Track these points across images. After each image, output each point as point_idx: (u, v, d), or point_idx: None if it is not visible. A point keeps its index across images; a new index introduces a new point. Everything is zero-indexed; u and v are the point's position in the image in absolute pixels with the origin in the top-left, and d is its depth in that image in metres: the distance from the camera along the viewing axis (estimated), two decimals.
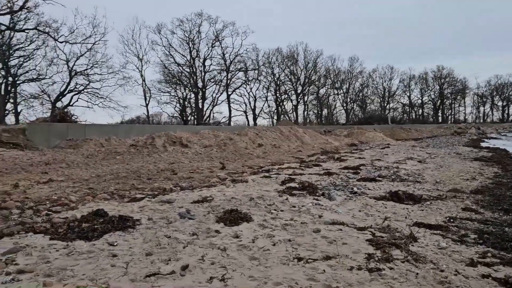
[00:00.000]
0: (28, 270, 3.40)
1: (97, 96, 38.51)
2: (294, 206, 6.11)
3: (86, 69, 38.11)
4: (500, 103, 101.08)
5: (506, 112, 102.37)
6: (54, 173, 9.33)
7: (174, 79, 51.41)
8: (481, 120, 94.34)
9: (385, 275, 3.53)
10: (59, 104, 36.00)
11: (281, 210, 5.83)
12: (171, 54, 50.04)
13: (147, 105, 48.66)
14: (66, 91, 37.14)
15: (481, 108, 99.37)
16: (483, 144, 29.00)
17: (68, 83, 37.13)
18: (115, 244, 4.05)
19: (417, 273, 3.60)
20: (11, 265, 3.50)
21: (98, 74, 38.71)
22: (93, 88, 38.67)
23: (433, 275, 3.59)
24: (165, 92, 51.18)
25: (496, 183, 9.50)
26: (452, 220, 5.83)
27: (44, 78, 36.13)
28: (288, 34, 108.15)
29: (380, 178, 9.48)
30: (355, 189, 7.89)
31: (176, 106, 53.44)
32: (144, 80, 47.67)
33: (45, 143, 16.49)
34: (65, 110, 32.91)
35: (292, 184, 7.99)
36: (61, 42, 34.51)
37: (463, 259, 4.03)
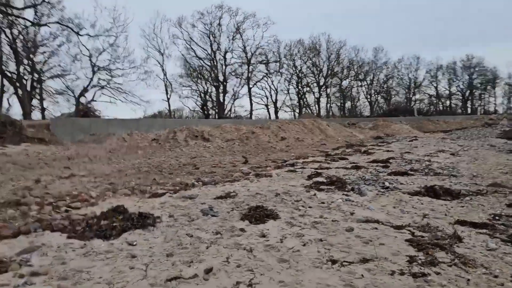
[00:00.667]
0: (42, 272, 3.18)
1: (120, 91, 38.98)
2: (323, 202, 5.73)
3: (109, 64, 38.57)
4: None
5: None
6: (76, 168, 9.26)
7: (195, 73, 51.62)
8: None
9: (432, 281, 3.14)
10: (82, 100, 36.60)
11: (309, 207, 5.47)
12: (192, 48, 50.21)
13: (168, 100, 49.06)
14: (90, 87, 37.70)
15: None
16: None
17: (91, 79, 37.68)
18: (134, 243, 3.80)
19: (468, 279, 3.19)
20: (25, 266, 3.29)
21: (120, 69, 39.17)
22: (115, 83, 39.14)
23: (487, 281, 3.17)
24: (186, 86, 51.50)
25: None
26: (497, 217, 5.32)
27: (68, 74, 36.75)
28: (310, 25, 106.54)
29: (412, 172, 8.97)
30: (386, 183, 7.44)
31: (197, 100, 53.70)
32: (165, 75, 48.10)
33: (69, 138, 16.65)
34: (89, 105, 33.47)
35: (319, 179, 7.61)
36: (82, 35, 34.92)
37: None
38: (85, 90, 37.81)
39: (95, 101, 38.35)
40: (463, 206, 5.95)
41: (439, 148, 15.70)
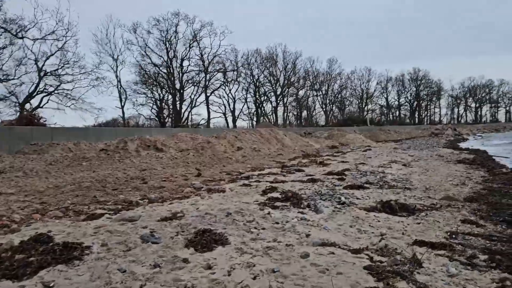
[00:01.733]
0: None
1: (69, 98, 36.88)
2: (277, 223, 5.33)
3: (57, 69, 36.43)
4: (473, 105, 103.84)
5: (479, 113, 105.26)
6: (5, 184, 8.27)
7: (150, 80, 50.13)
8: (455, 121, 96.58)
9: None
10: (27, 106, 34.25)
11: (263, 228, 5.05)
12: (147, 55, 48.81)
13: (122, 107, 47.19)
14: (35, 92, 35.36)
15: (455, 110, 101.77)
16: (461, 145, 29.12)
17: (37, 84, 35.37)
18: (51, 285, 3.17)
19: None
20: None
21: (69, 74, 37.08)
22: (64, 89, 36.99)
23: None
24: (141, 94, 49.82)
25: (487, 189, 9.01)
26: (454, 236, 5.18)
27: (11, 79, 34.24)
28: (267, 35, 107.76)
29: (367, 185, 8.84)
30: (342, 198, 7.20)
31: (152, 108, 52.08)
32: (119, 81, 46.21)
33: (6, 148, 15.23)
34: (33, 112, 31.33)
35: (274, 194, 7.23)
36: (20, 38, 32.73)
37: None
38: (30, 96, 35.42)
39: (41, 107, 36.06)
40: (419, 223, 5.78)
41: (392, 159, 15.95)
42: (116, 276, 3.36)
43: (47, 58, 35.70)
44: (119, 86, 46.46)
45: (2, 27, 31.46)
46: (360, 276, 3.56)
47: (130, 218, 5.31)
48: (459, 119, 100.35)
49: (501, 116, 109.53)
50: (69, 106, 36.88)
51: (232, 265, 3.73)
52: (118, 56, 46.23)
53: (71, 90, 37.17)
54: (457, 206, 7.08)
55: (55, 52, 35.72)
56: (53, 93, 36.40)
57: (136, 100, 49.94)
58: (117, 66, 45.69)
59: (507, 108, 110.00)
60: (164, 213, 5.70)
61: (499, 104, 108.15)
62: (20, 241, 4.18)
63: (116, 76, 45.90)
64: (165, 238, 4.52)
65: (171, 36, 49.19)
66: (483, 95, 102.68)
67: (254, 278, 3.44)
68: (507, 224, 5.91)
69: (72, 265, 3.56)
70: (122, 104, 47.02)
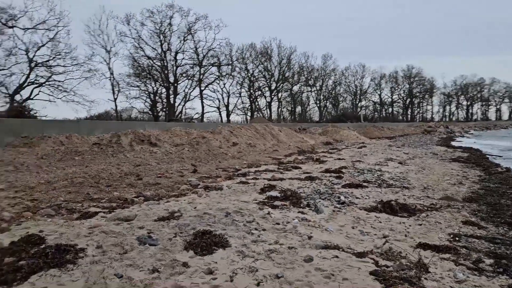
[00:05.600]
0: None
1: (60, 89, 36.23)
2: (278, 223, 5.19)
3: (48, 60, 35.72)
4: (464, 103, 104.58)
5: (470, 111, 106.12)
6: None
7: (144, 73, 49.45)
8: (447, 119, 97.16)
9: None
10: (17, 98, 33.63)
11: (263, 229, 4.90)
12: (141, 47, 48.07)
13: (115, 100, 46.48)
14: (26, 84, 34.68)
15: (447, 107, 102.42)
16: (454, 143, 29.24)
17: (28, 75, 34.67)
18: None
19: None
20: None
21: (61, 65, 36.38)
22: (55, 80, 36.34)
23: None
24: (134, 87, 49.11)
25: (485, 189, 8.97)
26: (457, 238, 5.09)
27: (1, 69, 33.54)
28: (262, 29, 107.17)
29: (365, 184, 8.73)
30: (342, 197, 7.08)
31: (146, 101, 51.50)
32: (112, 74, 45.47)
33: None
34: (23, 104, 30.78)
35: (273, 193, 7.08)
36: (10, 27, 32.04)
37: None
38: (20, 87, 34.72)
39: (32, 99, 35.42)
40: (420, 224, 5.68)
41: (388, 156, 15.89)
42: (113, 282, 3.19)
43: (38, 49, 34.97)
44: (112, 79, 45.75)
45: None
46: (367, 283, 3.44)
47: (126, 218, 5.13)
48: (451, 116, 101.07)
49: (492, 114, 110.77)
50: (60, 98, 36.24)
51: (234, 269, 3.58)
52: (111, 48, 45.53)
53: (63, 81, 36.46)
54: (457, 206, 7.01)
55: (46, 43, 34.99)
56: (44, 84, 35.69)
57: (130, 93, 49.32)
58: (110, 58, 44.92)
59: (498, 107, 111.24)
60: (161, 212, 5.52)
61: (489, 103, 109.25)
62: (10, 241, 3.99)
63: (109, 68, 45.16)
64: (163, 239, 4.35)
65: (165, 29, 48.50)
66: (474, 93, 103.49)
67: (258, 285, 3.30)
68: (508, 226, 5.85)
69: (66, 269, 3.38)
70: (115, 96, 46.38)
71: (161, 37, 48.60)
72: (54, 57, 35.74)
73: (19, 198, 6.35)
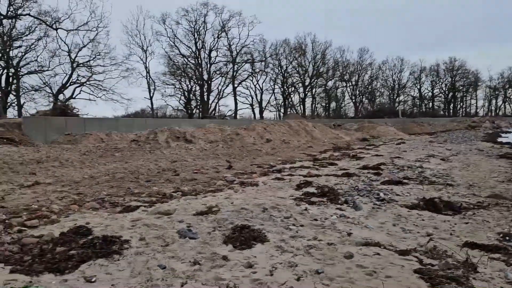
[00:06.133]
0: None
1: (100, 89, 37.68)
2: (316, 219, 5.13)
3: (89, 61, 37.24)
4: None
5: None
6: (43, 174, 8.44)
7: (179, 71, 50.47)
8: (493, 114, 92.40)
9: None
10: (61, 97, 35.26)
11: (301, 225, 4.86)
12: (176, 45, 49.09)
13: (151, 98, 47.82)
14: (68, 83, 36.36)
15: (493, 101, 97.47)
16: (501, 139, 27.80)
17: (70, 75, 36.33)
18: (93, 280, 3.11)
19: None
20: None
21: (100, 65, 37.86)
22: (95, 80, 37.82)
23: None
24: (169, 85, 50.30)
25: None
26: (507, 237, 4.82)
27: (46, 70, 35.28)
28: (296, 25, 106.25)
29: (406, 181, 8.47)
30: (381, 194, 6.90)
31: (180, 98, 52.55)
32: (148, 72, 46.82)
33: (42, 138, 15.66)
34: (66, 103, 32.21)
35: (309, 189, 7.02)
36: (55, 29, 33.54)
37: None
38: (63, 87, 36.44)
39: (74, 98, 37.06)
40: (467, 223, 5.44)
41: (429, 153, 15.35)
42: (157, 273, 3.27)
43: (80, 50, 36.57)
44: (148, 77, 47.09)
45: (38, 18, 32.38)
46: (411, 281, 3.33)
47: (166, 212, 5.24)
48: (497, 111, 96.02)
49: None
50: (100, 97, 37.72)
51: (273, 264, 3.58)
52: (147, 47, 46.83)
53: (102, 81, 37.98)
54: (507, 205, 6.65)
55: (87, 44, 36.51)
56: (85, 84, 37.29)
57: (165, 91, 50.62)
58: (146, 57, 46.27)
59: None
60: (199, 207, 5.61)
61: None
62: (60, 232, 4.18)
63: (146, 67, 46.53)
64: (202, 233, 4.42)
65: (200, 27, 49.27)
66: None
67: (298, 279, 3.27)
68: None
69: (112, 259, 3.50)
70: (151, 95, 47.68)
71: (196, 35, 49.41)
72: (94, 57, 37.21)
73: (66, 192, 6.65)
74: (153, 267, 3.39)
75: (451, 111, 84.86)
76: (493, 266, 3.85)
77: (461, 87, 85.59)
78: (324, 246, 4.11)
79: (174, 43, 48.77)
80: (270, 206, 5.68)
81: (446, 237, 4.71)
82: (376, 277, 3.39)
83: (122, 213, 5.34)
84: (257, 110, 60.17)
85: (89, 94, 37.50)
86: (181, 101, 52.79)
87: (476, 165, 11.89)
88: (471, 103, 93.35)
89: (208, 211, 5.34)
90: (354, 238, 4.43)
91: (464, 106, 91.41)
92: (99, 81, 37.87)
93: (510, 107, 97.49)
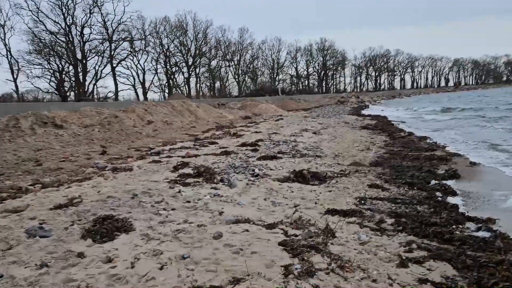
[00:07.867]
0: None
1: None
2: (189, 201, 5.00)
3: None
4: (373, 73, 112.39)
5: (378, 81, 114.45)
6: None
7: (46, 49, 44.84)
8: (358, 90, 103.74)
9: None
10: None
11: (173, 209, 4.68)
12: (40, 21, 43.30)
13: (15, 80, 41.76)
14: None
15: (358, 78, 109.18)
16: (364, 112, 31.34)
17: None
18: None
19: None
20: None
21: None
22: None
23: None
24: (36, 65, 44.37)
25: (389, 153, 9.65)
26: (362, 201, 5.35)
27: None
28: (176, 2, 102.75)
29: (280, 155, 8.87)
30: (256, 170, 7.09)
31: (51, 80, 46.95)
32: (8, 50, 40.60)
33: None
34: None
35: (186, 170, 6.85)
36: None
37: (390, 257, 3.41)
38: None
39: None
40: (330, 191, 5.88)
41: (303, 127, 16.43)
42: None
43: None
44: (9, 56, 40.89)
45: None
46: (275, 254, 3.42)
47: (15, 209, 4.55)
48: (362, 87, 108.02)
49: (397, 83, 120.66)
50: None
51: (136, 255, 3.34)
52: (5, 21, 40.42)
53: None
54: (364, 171, 7.41)
55: None
56: None
57: (31, 72, 44.51)
58: (5, 34, 40.00)
59: (402, 76, 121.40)
60: (59, 200, 4.99)
61: (395, 73, 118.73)
62: None
63: (5, 45, 40.29)
64: (57, 229, 3.92)
65: (68, 0, 44.21)
66: (381, 64, 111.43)
67: (161, 268, 3.10)
68: (408, 186, 6.32)
69: None
70: (15, 76, 41.62)
71: (64, 9, 44.26)
72: None
73: None
74: None
75: (324, 88, 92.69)
76: (349, 230, 4.19)
77: (331, 66, 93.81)
78: (193, 229, 4.00)
79: (38, 17, 42.96)
80: (141, 191, 5.35)
81: (311, 206, 5.01)
82: (242, 255, 3.40)
83: None
84: (140, 92, 57.34)
85: None
86: (51, 83, 47.20)
87: (342, 136, 13.12)
88: (340, 80, 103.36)
89: (68, 203, 4.79)
90: (225, 217, 4.42)
91: (334, 83, 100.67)
92: None
93: (372, 83, 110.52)
